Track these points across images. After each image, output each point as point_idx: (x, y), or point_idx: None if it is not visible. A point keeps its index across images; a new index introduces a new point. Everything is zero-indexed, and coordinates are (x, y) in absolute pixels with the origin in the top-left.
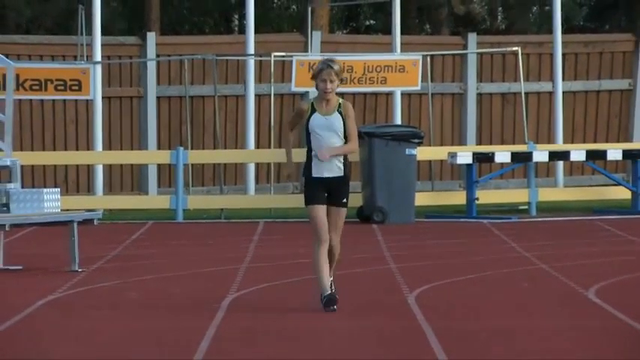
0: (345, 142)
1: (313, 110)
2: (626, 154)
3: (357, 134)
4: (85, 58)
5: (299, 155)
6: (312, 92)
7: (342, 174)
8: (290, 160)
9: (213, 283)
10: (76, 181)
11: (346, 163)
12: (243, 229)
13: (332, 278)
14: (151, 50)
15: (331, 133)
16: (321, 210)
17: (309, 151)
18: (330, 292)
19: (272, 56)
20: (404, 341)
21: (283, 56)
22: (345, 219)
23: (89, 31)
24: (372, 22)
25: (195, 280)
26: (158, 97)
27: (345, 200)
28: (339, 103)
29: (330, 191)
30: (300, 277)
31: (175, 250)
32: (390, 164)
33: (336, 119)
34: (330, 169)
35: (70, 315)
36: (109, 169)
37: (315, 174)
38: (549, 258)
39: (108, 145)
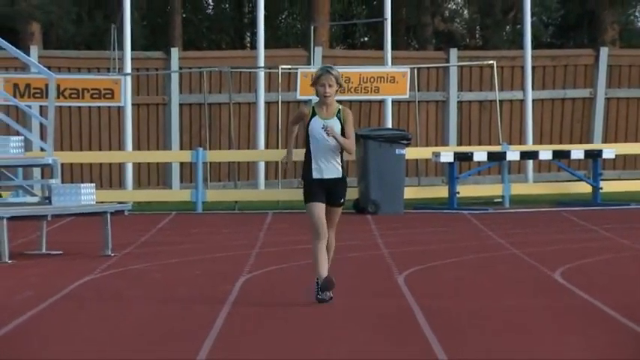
0: (342, 153)
1: (314, 114)
2: (587, 153)
3: (354, 137)
4: (117, 70)
5: (298, 155)
6: (315, 100)
7: (340, 175)
8: (290, 150)
9: (228, 266)
10: (109, 177)
11: (343, 165)
12: (254, 219)
13: (328, 264)
14: (175, 63)
15: (329, 136)
16: (319, 208)
17: (308, 153)
18: (326, 275)
19: (279, 69)
20: (394, 317)
21: (289, 69)
22: (343, 210)
23: (120, 46)
24: (366, 39)
25: (213, 263)
26: (180, 104)
27: (342, 200)
28: (339, 109)
29: (328, 191)
30: (304, 261)
31: (195, 237)
32: (382, 162)
33: (335, 123)
34: (329, 170)
35: (104, 294)
36: (137, 166)
37: (315, 176)
38: (521, 244)
39: (137, 146)
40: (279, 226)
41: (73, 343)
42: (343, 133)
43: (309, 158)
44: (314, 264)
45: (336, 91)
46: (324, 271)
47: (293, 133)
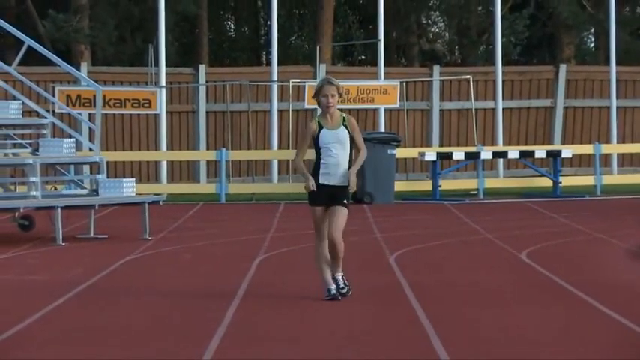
0: (351, 151)
1: (320, 127)
2: (549, 153)
3: (363, 141)
4: (154, 83)
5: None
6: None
7: (345, 183)
8: (308, 177)
9: (247, 247)
10: (147, 173)
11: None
12: (269, 209)
13: (342, 273)
14: (202, 77)
15: (339, 144)
16: (321, 211)
17: (318, 161)
18: (333, 288)
19: (290, 82)
20: (386, 289)
21: (298, 82)
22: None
23: (156, 63)
24: (363, 57)
25: (234, 245)
26: (207, 112)
27: (345, 201)
28: (344, 118)
29: (332, 195)
30: (311, 244)
31: (219, 224)
32: (376, 161)
33: (343, 132)
34: (337, 178)
35: (142, 271)
36: (170, 164)
37: (322, 181)
38: (492, 229)
39: (170, 147)
40: (290, 215)
41: (120, 310)
42: (352, 141)
43: (318, 166)
44: (319, 271)
45: (338, 101)
46: (329, 280)
47: (304, 153)
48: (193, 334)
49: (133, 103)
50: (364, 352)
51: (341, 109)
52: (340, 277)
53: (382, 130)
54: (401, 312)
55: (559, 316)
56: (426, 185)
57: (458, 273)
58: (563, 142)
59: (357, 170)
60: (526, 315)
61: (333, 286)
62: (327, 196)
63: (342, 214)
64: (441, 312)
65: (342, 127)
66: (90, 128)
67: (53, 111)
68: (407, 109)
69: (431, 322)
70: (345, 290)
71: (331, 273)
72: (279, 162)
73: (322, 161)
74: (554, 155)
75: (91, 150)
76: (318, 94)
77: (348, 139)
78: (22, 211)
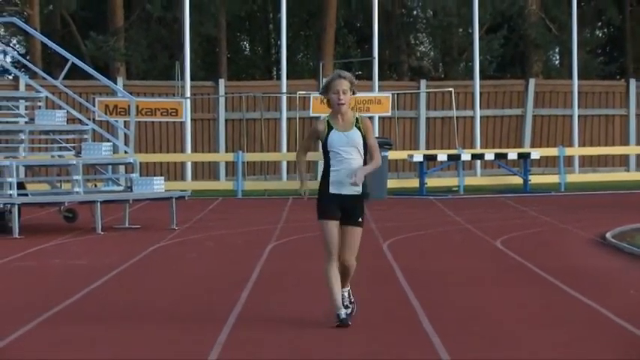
0: (365, 156)
1: (330, 128)
2: (520, 155)
3: (378, 147)
4: (180, 95)
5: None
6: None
7: (359, 193)
8: (304, 180)
9: (260, 236)
10: (174, 172)
11: (366, 182)
12: (279, 203)
13: (349, 287)
14: (221, 90)
15: (351, 148)
16: (333, 225)
17: (327, 168)
18: (343, 314)
19: (297, 94)
20: (380, 272)
21: (304, 94)
22: None
23: (182, 77)
24: (359, 72)
25: (249, 234)
26: (226, 120)
27: (360, 219)
28: (357, 119)
29: (344, 209)
30: (316, 233)
31: (236, 216)
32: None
33: (356, 134)
34: (349, 186)
35: (170, 257)
36: (194, 164)
37: (332, 190)
38: (471, 220)
39: (194, 150)
40: (297, 208)
41: (150, 290)
42: (365, 144)
43: (328, 172)
44: (329, 294)
45: (350, 97)
46: (339, 304)
47: (305, 154)
48: (214, 312)
49: (162, 112)
50: (362, 325)
51: None
52: (346, 295)
53: (376, 135)
54: (391, 289)
55: (532, 297)
56: (414, 183)
57: (442, 258)
58: (532, 146)
59: (367, 172)
60: (502, 296)
61: (343, 312)
62: (339, 208)
63: (356, 236)
64: (426, 291)
65: (355, 128)
66: (125, 134)
67: (93, 119)
68: (397, 117)
69: (419, 301)
70: (349, 310)
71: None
72: (288, 163)
73: (332, 168)
74: (524, 157)
75: (125, 152)
76: (327, 91)
77: (362, 142)
78: (66, 204)
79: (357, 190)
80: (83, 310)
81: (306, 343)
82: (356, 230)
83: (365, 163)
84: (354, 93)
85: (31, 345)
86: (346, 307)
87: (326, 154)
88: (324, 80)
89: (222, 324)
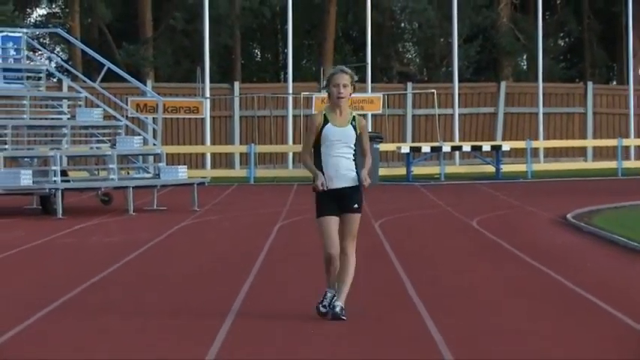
0: (355, 153)
1: (326, 121)
2: (492, 147)
3: (369, 144)
4: (201, 95)
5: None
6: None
7: (354, 183)
8: (317, 172)
9: (269, 217)
10: (195, 161)
11: (358, 171)
12: (286, 189)
13: (343, 305)
14: (236, 91)
15: (344, 144)
16: (332, 222)
17: (318, 161)
18: (337, 310)
19: (301, 95)
20: (372, 249)
21: (307, 95)
22: None
23: (202, 80)
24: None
25: (260, 216)
26: (240, 117)
27: (356, 206)
28: (354, 117)
29: (342, 199)
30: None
31: (248, 200)
32: (360, 154)
33: (350, 131)
34: (342, 179)
35: (192, 235)
36: (213, 155)
37: (329, 186)
38: (451, 204)
39: (213, 142)
40: (301, 193)
41: (176, 263)
42: (358, 144)
43: (320, 167)
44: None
45: (350, 93)
46: (332, 284)
47: (310, 155)
48: (231, 280)
49: (185, 110)
50: (358, 294)
51: None
52: (338, 309)
53: (369, 130)
54: (381, 263)
55: (503, 269)
56: (402, 171)
57: (426, 236)
58: (503, 139)
59: (367, 171)
60: (479, 270)
61: (339, 305)
62: (336, 202)
63: (354, 222)
64: (412, 264)
65: (350, 125)
66: (153, 128)
67: (126, 116)
68: (387, 115)
69: (407, 275)
70: (332, 310)
71: (333, 293)
72: (294, 154)
73: (323, 162)
74: (496, 149)
75: (154, 144)
76: (329, 83)
77: (354, 139)
78: (103, 189)
79: (353, 179)
80: (117, 281)
81: (308, 305)
82: (354, 217)
83: (355, 158)
84: (354, 89)
85: (76, 307)
86: (331, 306)
87: (318, 147)
88: (327, 74)
89: (239, 287)
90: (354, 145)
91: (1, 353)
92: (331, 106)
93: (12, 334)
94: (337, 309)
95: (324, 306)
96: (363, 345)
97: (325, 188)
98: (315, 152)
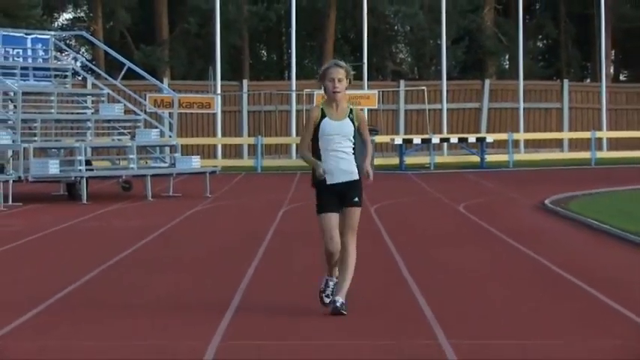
0: (354, 145)
1: (323, 115)
2: (478, 139)
3: (369, 137)
4: (212, 92)
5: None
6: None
7: (356, 177)
8: (316, 162)
9: (275, 202)
10: (208, 152)
11: (358, 165)
12: (289, 177)
13: (344, 300)
14: (245, 88)
15: (342, 137)
16: (333, 218)
17: (317, 155)
18: (337, 305)
19: (304, 92)
20: (368, 231)
21: (309, 92)
22: None
23: (214, 78)
24: (352, 74)
25: (267, 201)
26: (248, 112)
27: (356, 199)
28: (351, 109)
29: (342, 193)
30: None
31: (255, 187)
32: (361, 144)
33: (347, 124)
34: (341, 173)
35: (204, 218)
36: (224, 146)
37: (329, 181)
38: (440, 190)
39: (223, 134)
40: (304, 181)
41: (190, 244)
42: (358, 134)
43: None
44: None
45: (346, 86)
46: (333, 274)
47: (308, 149)
48: (241, 259)
49: (198, 105)
50: (356, 272)
51: None
52: (339, 304)
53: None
54: (376, 242)
55: (490, 251)
56: (395, 161)
57: (417, 219)
58: (488, 132)
59: (368, 163)
60: (466, 249)
61: (340, 300)
62: (337, 197)
63: (354, 216)
64: (404, 242)
65: (347, 119)
66: (169, 122)
67: (145, 110)
68: (382, 110)
69: (400, 255)
70: (335, 301)
71: (335, 282)
72: (297, 145)
73: (323, 157)
74: (481, 140)
75: (170, 137)
76: (323, 78)
77: (353, 132)
78: (124, 177)
79: (353, 173)
80: (136, 260)
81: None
82: (355, 210)
83: (354, 151)
84: (350, 82)
85: (99, 284)
86: (332, 297)
87: (316, 141)
88: (322, 69)
89: (247, 267)
90: (354, 137)
91: (29, 326)
92: (328, 100)
93: (42, 308)
94: (338, 304)
95: (327, 296)
96: (358, 318)
97: (325, 176)
98: (313, 147)
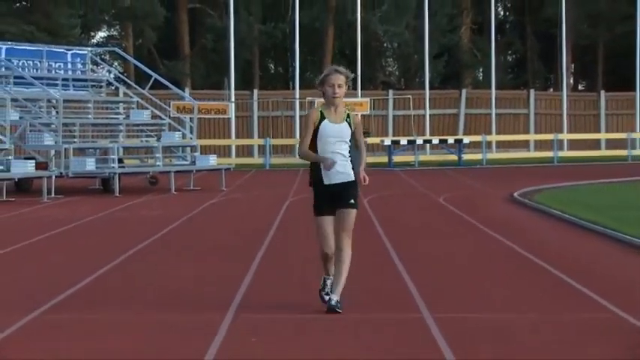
0: (350, 149)
1: (322, 118)
2: (456, 140)
3: (363, 141)
4: (227, 100)
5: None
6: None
7: (352, 179)
8: (322, 156)
9: (280, 195)
10: (223, 151)
11: (354, 168)
12: (293, 173)
13: (338, 298)
14: (255, 96)
15: (340, 139)
16: (328, 222)
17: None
18: (333, 301)
19: (306, 99)
20: (361, 221)
21: (311, 99)
22: None
23: (229, 88)
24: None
25: (274, 194)
26: (258, 117)
27: (352, 201)
28: (348, 114)
29: (338, 195)
30: None
31: (265, 182)
32: (354, 149)
33: (345, 127)
34: (337, 175)
35: (220, 210)
36: (237, 146)
37: (326, 182)
38: (424, 185)
39: (237, 136)
40: (306, 177)
41: (207, 232)
42: (354, 138)
43: (316, 165)
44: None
45: (344, 91)
46: (329, 272)
47: (308, 142)
48: (252, 245)
49: (215, 111)
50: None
51: None
52: (334, 302)
53: None
54: (369, 232)
55: (468, 237)
56: (385, 159)
57: (404, 211)
58: (465, 134)
59: (363, 168)
60: (448, 237)
61: (334, 298)
62: (332, 198)
63: (350, 217)
64: (394, 232)
65: (345, 122)
66: (190, 126)
67: (169, 116)
68: (374, 115)
69: (390, 242)
70: (332, 299)
71: (332, 280)
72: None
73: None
74: (459, 141)
75: (190, 138)
76: (323, 83)
77: (349, 135)
78: (151, 174)
79: (348, 175)
80: (161, 246)
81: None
82: (350, 212)
83: (350, 152)
84: (348, 87)
85: (130, 267)
86: (330, 295)
87: (314, 143)
88: (321, 75)
89: (257, 251)
90: (350, 140)
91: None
92: (326, 104)
93: (79, 287)
94: (333, 302)
95: (326, 293)
96: (350, 301)
97: (333, 165)
98: (309, 149)
